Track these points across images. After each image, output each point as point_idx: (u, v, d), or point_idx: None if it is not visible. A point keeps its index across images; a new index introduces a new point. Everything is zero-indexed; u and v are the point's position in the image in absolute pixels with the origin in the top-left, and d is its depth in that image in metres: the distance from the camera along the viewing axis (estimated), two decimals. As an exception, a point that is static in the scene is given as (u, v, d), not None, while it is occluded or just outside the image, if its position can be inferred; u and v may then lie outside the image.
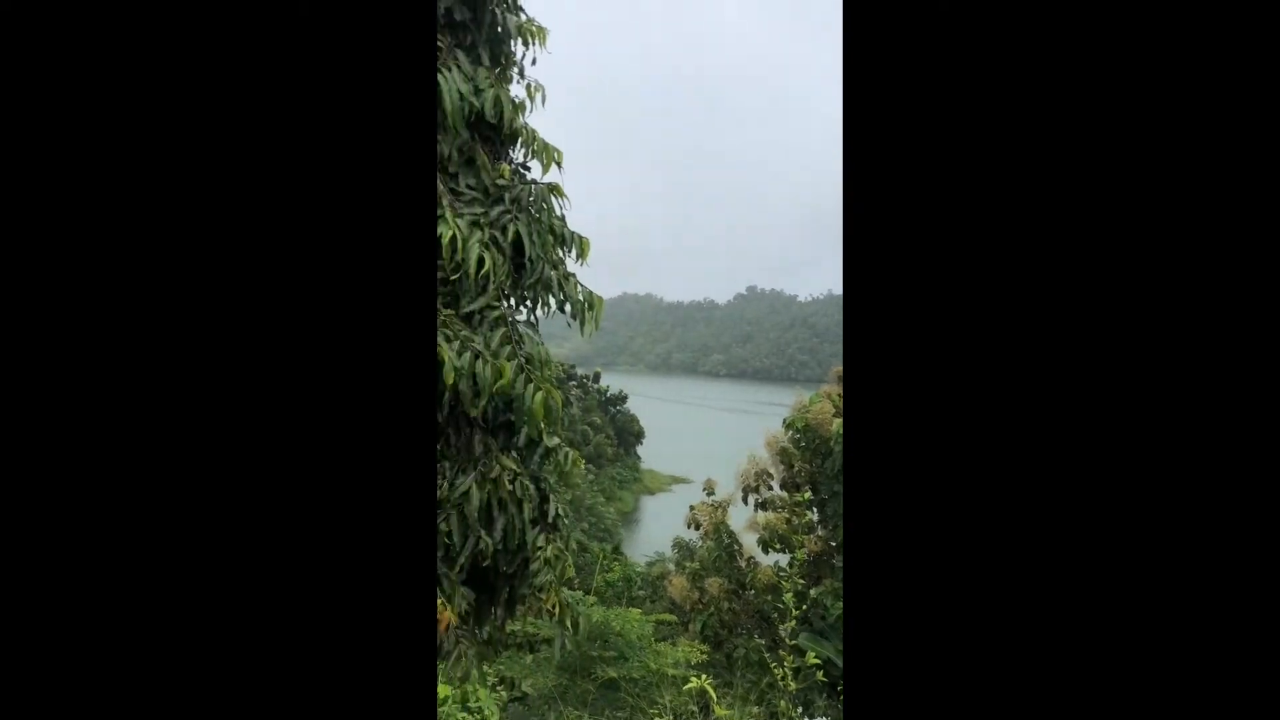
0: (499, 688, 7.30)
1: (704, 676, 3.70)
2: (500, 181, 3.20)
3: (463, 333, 2.85)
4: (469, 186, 3.13)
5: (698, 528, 11.65)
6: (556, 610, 3.01)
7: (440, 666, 3.00)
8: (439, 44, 3.02)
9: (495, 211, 3.12)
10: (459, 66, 3.01)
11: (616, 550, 18.37)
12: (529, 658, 8.30)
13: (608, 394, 50.39)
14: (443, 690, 5.76)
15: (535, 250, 3.20)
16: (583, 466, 3.33)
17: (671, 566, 15.42)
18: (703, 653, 8.72)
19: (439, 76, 2.90)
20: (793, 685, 3.62)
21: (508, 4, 3.29)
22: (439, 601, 2.69)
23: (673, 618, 11.33)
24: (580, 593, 9.32)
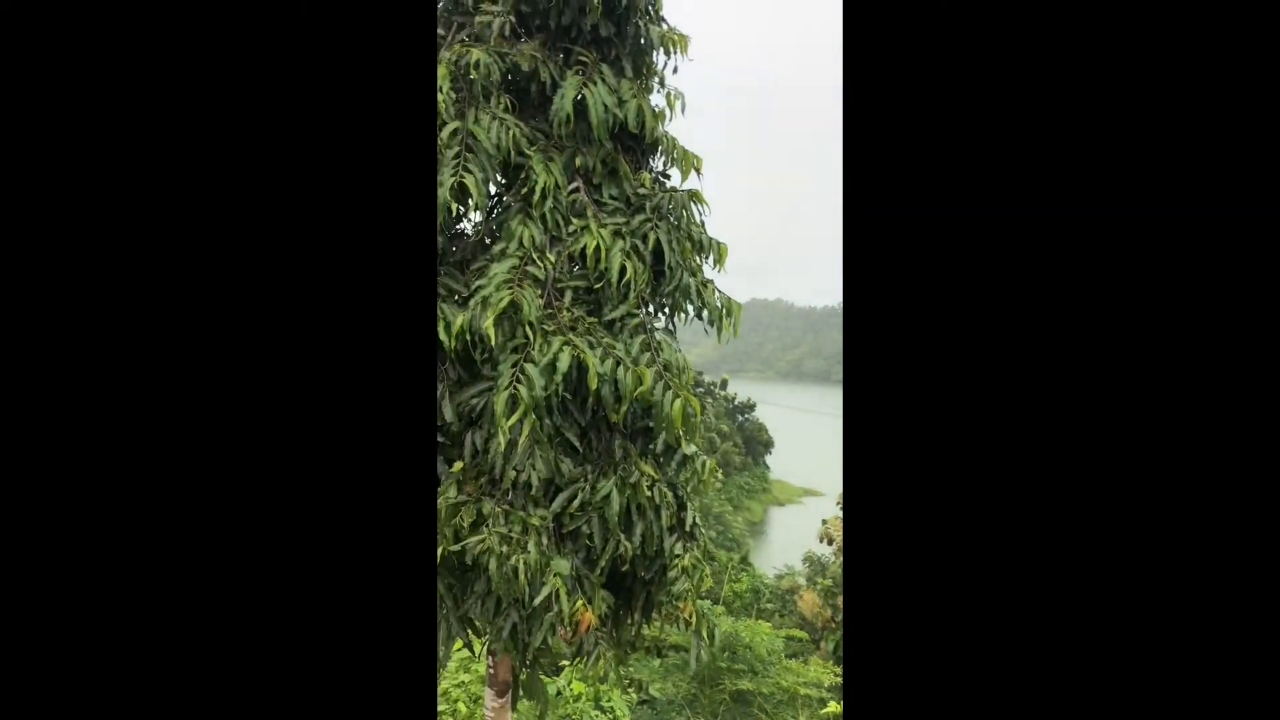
0: (629, 689, 7.39)
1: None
2: (641, 190, 3.24)
3: (605, 340, 2.91)
4: (611, 197, 3.20)
5: (830, 543, 11.19)
6: (693, 620, 2.99)
7: (579, 665, 3.06)
8: (585, 60, 3.11)
9: (636, 220, 3.17)
10: (603, 80, 3.09)
11: (744, 560, 18.07)
12: (656, 662, 8.35)
13: (735, 401, 49.95)
14: (577, 687, 5.93)
15: (675, 257, 3.21)
16: (719, 475, 3.29)
17: (802, 581, 14.94)
18: (836, 675, 8.34)
19: (586, 92, 2.99)
20: None
21: (650, 15, 3.34)
22: (580, 602, 2.75)
23: (804, 635, 10.95)
24: (708, 602, 9.26)
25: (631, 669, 7.83)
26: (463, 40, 3.07)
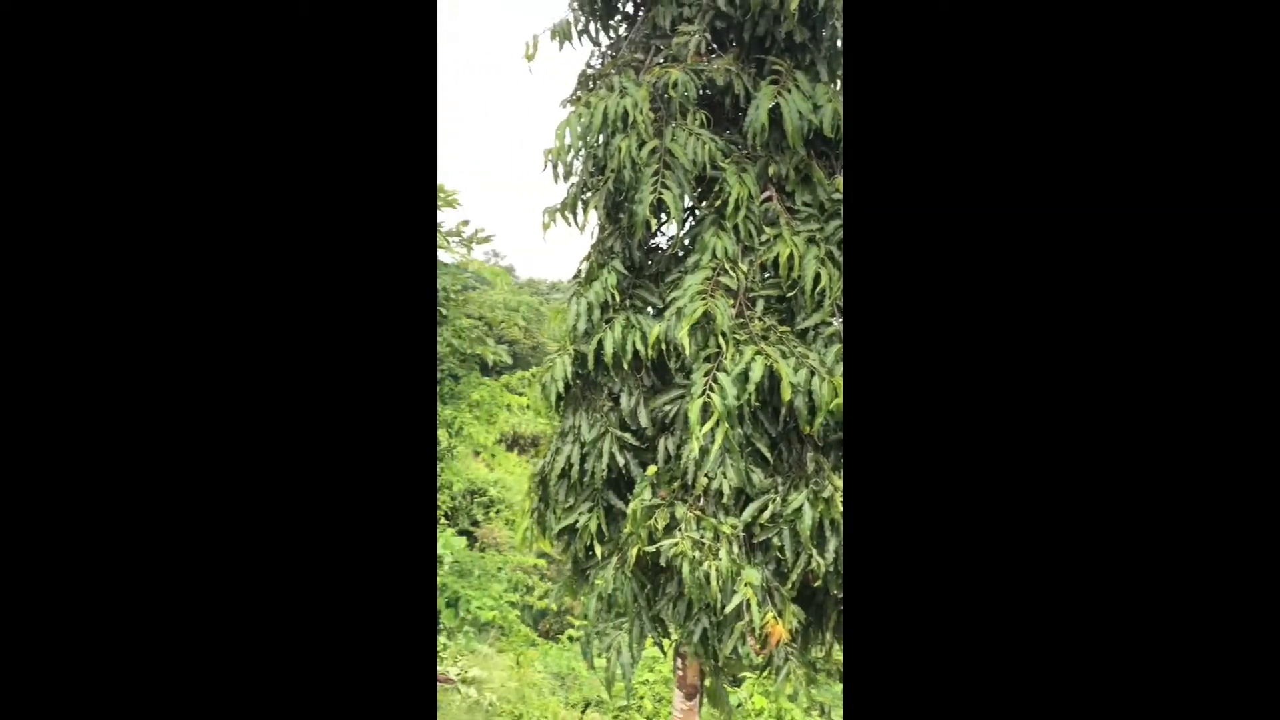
0: (810, 711, 7.14)
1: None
2: (835, 195, 3.15)
3: (798, 349, 2.86)
4: (805, 204, 3.14)
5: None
6: (891, 646, 2.81)
7: (769, 682, 3.02)
8: (779, 69, 3.10)
9: (831, 226, 3.08)
10: (797, 87, 3.05)
11: (938, 589, 16.64)
12: (839, 687, 7.97)
13: (927, 416, 46.27)
14: (759, 702, 5.85)
15: (872, 264, 3.08)
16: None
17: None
18: None
19: (780, 100, 2.98)
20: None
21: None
22: (770, 614, 2.72)
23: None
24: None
25: (814, 691, 7.56)
26: (659, 63, 3.21)
